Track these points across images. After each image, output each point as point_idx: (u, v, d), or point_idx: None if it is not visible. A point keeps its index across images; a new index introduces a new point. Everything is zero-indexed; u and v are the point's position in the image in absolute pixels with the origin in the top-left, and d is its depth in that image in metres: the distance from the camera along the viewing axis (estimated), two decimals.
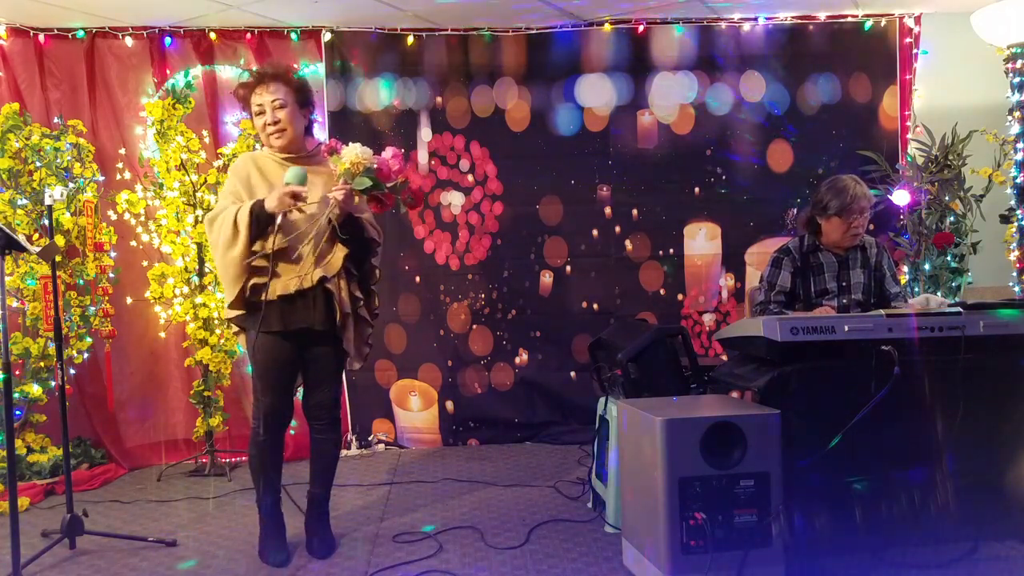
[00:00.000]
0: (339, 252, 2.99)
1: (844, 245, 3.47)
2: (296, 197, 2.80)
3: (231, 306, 2.99)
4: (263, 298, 2.87)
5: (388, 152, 2.87)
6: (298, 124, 3.05)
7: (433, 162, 4.96)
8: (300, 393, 3.23)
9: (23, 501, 3.85)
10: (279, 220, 2.80)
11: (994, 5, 4.41)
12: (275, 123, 2.99)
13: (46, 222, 3.71)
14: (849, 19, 4.95)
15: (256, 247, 2.89)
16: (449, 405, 5.00)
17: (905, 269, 4.74)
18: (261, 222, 2.85)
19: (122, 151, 4.64)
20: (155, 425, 4.72)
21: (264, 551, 3.14)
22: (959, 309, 2.90)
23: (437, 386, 4.99)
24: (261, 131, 3.05)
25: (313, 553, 3.18)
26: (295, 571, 3.03)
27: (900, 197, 4.66)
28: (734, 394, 3.12)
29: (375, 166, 2.82)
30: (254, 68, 3.25)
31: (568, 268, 5.03)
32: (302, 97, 3.06)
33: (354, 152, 2.80)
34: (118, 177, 4.61)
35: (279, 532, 3.18)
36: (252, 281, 2.91)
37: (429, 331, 4.99)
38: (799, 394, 2.78)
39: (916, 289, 4.65)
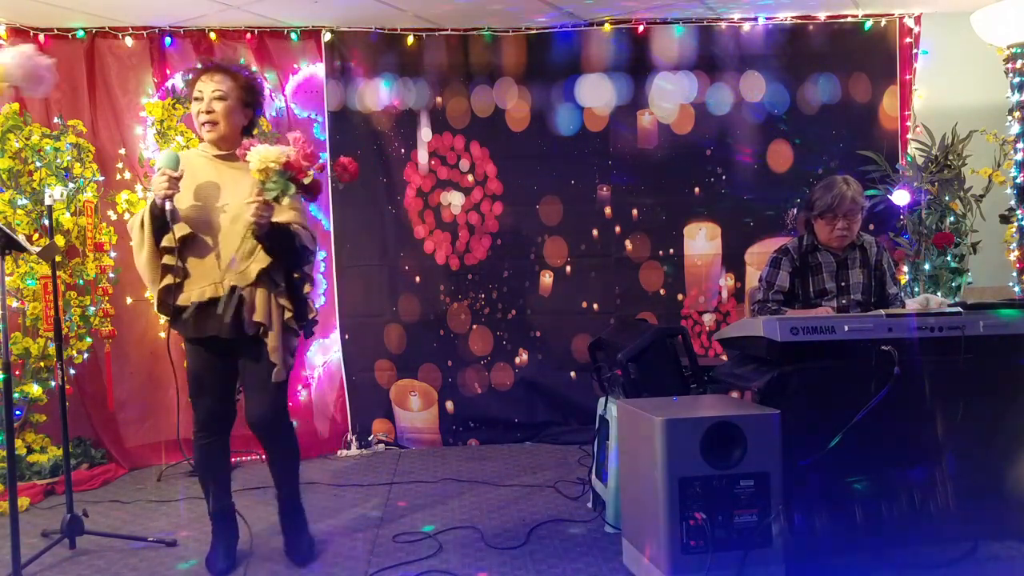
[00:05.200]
0: (256, 264, 2.84)
1: (833, 246, 3.48)
2: (171, 180, 2.71)
3: (158, 310, 2.94)
4: (177, 302, 2.84)
5: (290, 142, 2.71)
6: (234, 120, 2.93)
7: (433, 162, 4.96)
8: None
9: (23, 501, 3.85)
10: (168, 207, 2.73)
11: (994, 5, 4.41)
12: (208, 112, 2.88)
13: (46, 222, 3.71)
14: (849, 19, 4.95)
15: (165, 243, 2.82)
16: (449, 405, 5.00)
17: (905, 269, 4.74)
18: (156, 216, 2.79)
19: (122, 151, 4.64)
20: (155, 425, 4.72)
21: (208, 557, 3.04)
22: (959, 309, 2.90)
23: (437, 386, 4.99)
24: (195, 119, 2.94)
25: (289, 557, 3.10)
26: (295, 571, 3.03)
27: (900, 197, 4.65)
28: (734, 394, 3.12)
29: (282, 166, 2.67)
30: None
31: (568, 268, 5.03)
32: (248, 96, 2.96)
33: (257, 156, 2.66)
34: (118, 177, 4.61)
35: (225, 539, 3.06)
36: (165, 282, 2.85)
37: (429, 331, 4.99)
38: (799, 394, 2.77)
39: (916, 289, 4.65)
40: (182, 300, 2.83)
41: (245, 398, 3.02)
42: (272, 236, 2.81)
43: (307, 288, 2.99)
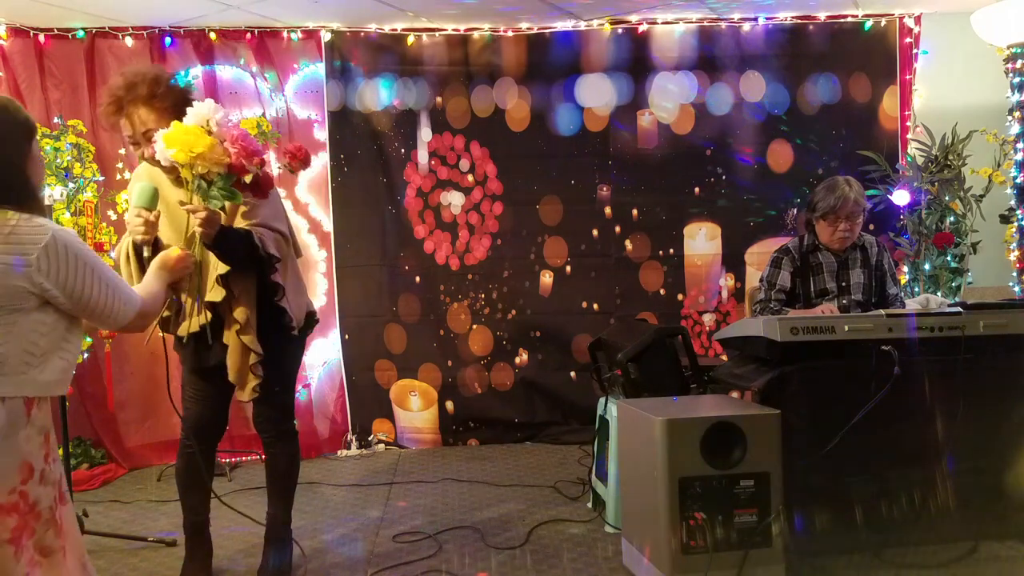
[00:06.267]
0: (215, 272, 2.60)
1: (834, 247, 3.48)
2: (146, 222, 2.37)
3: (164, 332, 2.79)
4: (178, 333, 2.74)
5: (225, 137, 2.31)
6: None
7: (433, 162, 4.96)
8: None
9: None
10: (146, 253, 2.40)
11: (994, 5, 4.41)
12: (150, 147, 2.52)
13: None
14: (849, 19, 4.95)
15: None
16: (449, 405, 5.00)
17: (905, 269, 4.74)
18: (139, 250, 2.50)
19: (122, 151, 4.64)
20: (155, 425, 4.71)
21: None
22: (959, 309, 2.90)
23: (437, 386, 4.98)
24: (134, 150, 2.71)
25: None
26: (295, 571, 3.03)
27: (900, 197, 4.65)
28: (734, 394, 3.12)
29: (225, 168, 2.30)
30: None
31: (568, 268, 5.03)
32: (178, 109, 2.55)
33: (178, 144, 2.24)
34: (118, 177, 4.61)
35: (199, 556, 2.94)
36: (163, 314, 2.66)
37: (429, 331, 4.98)
38: (799, 394, 2.78)
39: (916, 289, 4.65)
40: (181, 331, 2.74)
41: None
42: (224, 243, 2.51)
43: (279, 296, 2.71)
